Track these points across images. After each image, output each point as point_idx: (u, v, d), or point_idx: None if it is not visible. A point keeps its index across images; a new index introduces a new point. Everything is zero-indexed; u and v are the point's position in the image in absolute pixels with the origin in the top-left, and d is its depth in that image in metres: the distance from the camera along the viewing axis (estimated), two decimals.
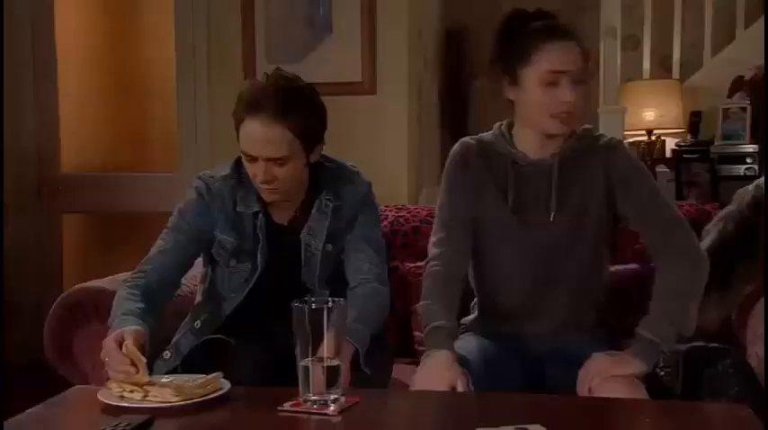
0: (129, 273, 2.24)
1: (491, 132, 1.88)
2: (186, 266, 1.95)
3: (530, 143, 1.81)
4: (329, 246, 1.95)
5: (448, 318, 1.72)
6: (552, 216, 1.79)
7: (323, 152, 1.96)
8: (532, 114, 1.75)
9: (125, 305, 1.74)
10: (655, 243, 1.77)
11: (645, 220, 1.78)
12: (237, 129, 1.83)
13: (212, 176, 1.94)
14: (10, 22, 3.88)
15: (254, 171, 1.82)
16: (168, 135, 3.99)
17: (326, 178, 1.97)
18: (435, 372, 1.61)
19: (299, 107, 1.79)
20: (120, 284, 2.08)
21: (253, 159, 1.81)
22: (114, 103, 4.14)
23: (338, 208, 1.95)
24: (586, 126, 1.85)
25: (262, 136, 1.77)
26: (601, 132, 1.88)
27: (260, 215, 1.91)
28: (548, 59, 1.68)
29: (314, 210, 1.94)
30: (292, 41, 3.58)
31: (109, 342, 1.58)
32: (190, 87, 3.80)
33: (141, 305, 1.75)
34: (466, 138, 1.89)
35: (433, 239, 1.86)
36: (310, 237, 1.93)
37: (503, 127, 1.87)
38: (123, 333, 1.60)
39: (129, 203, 3.98)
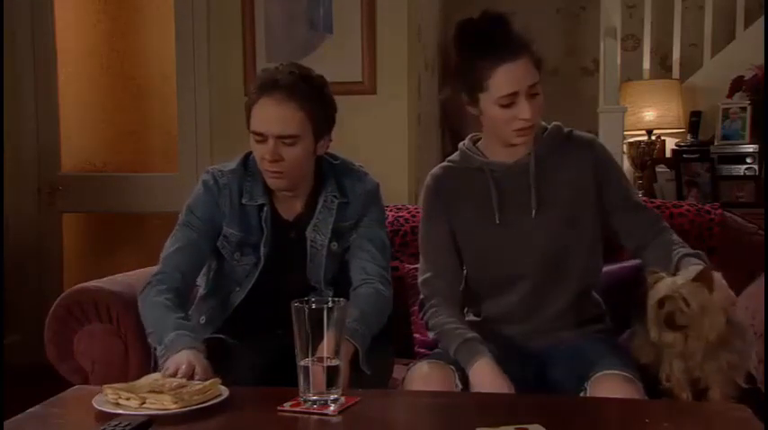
0: (130, 272, 2.24)
1: (456, 153, 1.93)
2: (203, 261, 1.95)
3: (500, 150, 1.85)
4: (335, 245, 1.95)
5: (471, 331, 1.76)
6: (534, 213, 1.82)
7: (330, 150, 1.98)
8: (495, 130, 1.81)
9: (169, 316, 1.75)
10: (640, 227, 1.86)
11: (627, 208, 1.86)
12: (248, 117, 1.84)
13: (221, 170, 1.95)
14: (10, 22, 3.89)
15: (263, 152, 1.83)
16: (168, 135, 4.00)
17: (333, 174, 1.97)
18: (491, 380, 1.65)
19: (311, 90, 1.83)
20: (119, 284, 2.09)
21: (262, 140, 1.82)
22: (114, 102, 4.14)
23: (344, 205, 1.96)
24: (556, 123, 1.90)
25: (274, 113, 1.80)
26: (570, 128, 1.91)
27: (265, 208, 1.91)
28: (499, 85, 1.72)
29: (319, 206, 1.94)
30: (292, 41, 3.59)
31: (181, 365, 1.58)
32: (190, 87, 3.81)
33: (181, 313, 1.79)
34: (435, 169, 1.94)
35: (420, 279, 1.90)
36: (315, 233, 1.94)
37: (466, 144, 1.91)
38: (192, 362, 1.59)
39: (129, 203, 3.99)
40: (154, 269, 1.92)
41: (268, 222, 1.91)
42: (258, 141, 1.83)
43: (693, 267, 1.66)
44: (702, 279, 1.58)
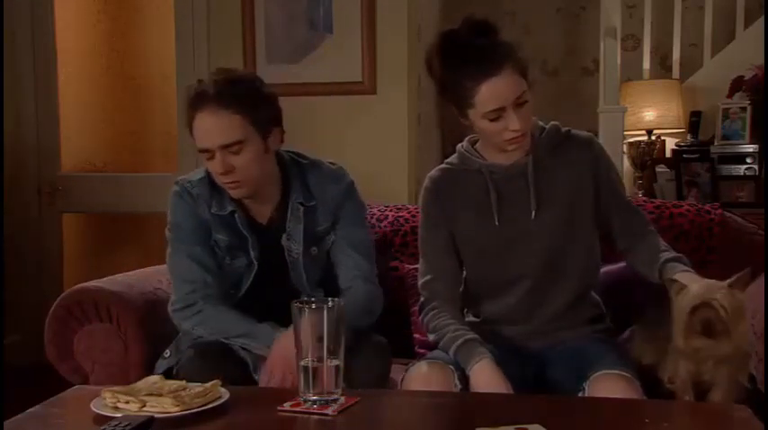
0: (130, 272, 2.24)
1: (455, 155, 1.92)
2: (212, 263, 1.91)
3: (497, 153, 1.84)
4: (314, 250, 1.93)
5: (471, 332, 1.76)
6: (534, 214, 1.81)
7: (302, 151, 1.96)
8: (487, 140, 1.82)
9: (246, 318, 1.84)
10: (629, 229, 1.86)
11: (619, 208, 1.87)
12: (192, 134, 1.82)
13: (190, 181, 1.93)
14: (10, 22, 3.89)
15: (214, 167, 1.81)
16: (168, 135, 4.00)
17: (299, 174, 1.94)
18: (491, 381, 1.66)
19: (241, 92, 1.80)
20: (119, 284, 2.09)
21: (210, 155, 1.80)
22: (114, 102, 4.14)
23: (313, 208, 1.93)
24: (553, 122, 1.89)
25: (211, 125, 1.78)
26: (568, 128, 1.90)
27: (236, 215, 1.89)
28: (484, 101, 1.70)
29: (288, 214, 1.92)
30: (292, 41, 3.59)
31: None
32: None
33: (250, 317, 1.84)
34: (432, 171, 1.93)
35: (420, 281, 1.90)
36: (289, 241, 1.92)
37: (464, 146, 1.91)
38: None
39: (129, 203, 3.99)
40: (172, 293, 1.92)
41: (246, 227, 1.90)
42: (208, 158, 1.81)
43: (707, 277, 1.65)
44: (738, 284, 1.58)
